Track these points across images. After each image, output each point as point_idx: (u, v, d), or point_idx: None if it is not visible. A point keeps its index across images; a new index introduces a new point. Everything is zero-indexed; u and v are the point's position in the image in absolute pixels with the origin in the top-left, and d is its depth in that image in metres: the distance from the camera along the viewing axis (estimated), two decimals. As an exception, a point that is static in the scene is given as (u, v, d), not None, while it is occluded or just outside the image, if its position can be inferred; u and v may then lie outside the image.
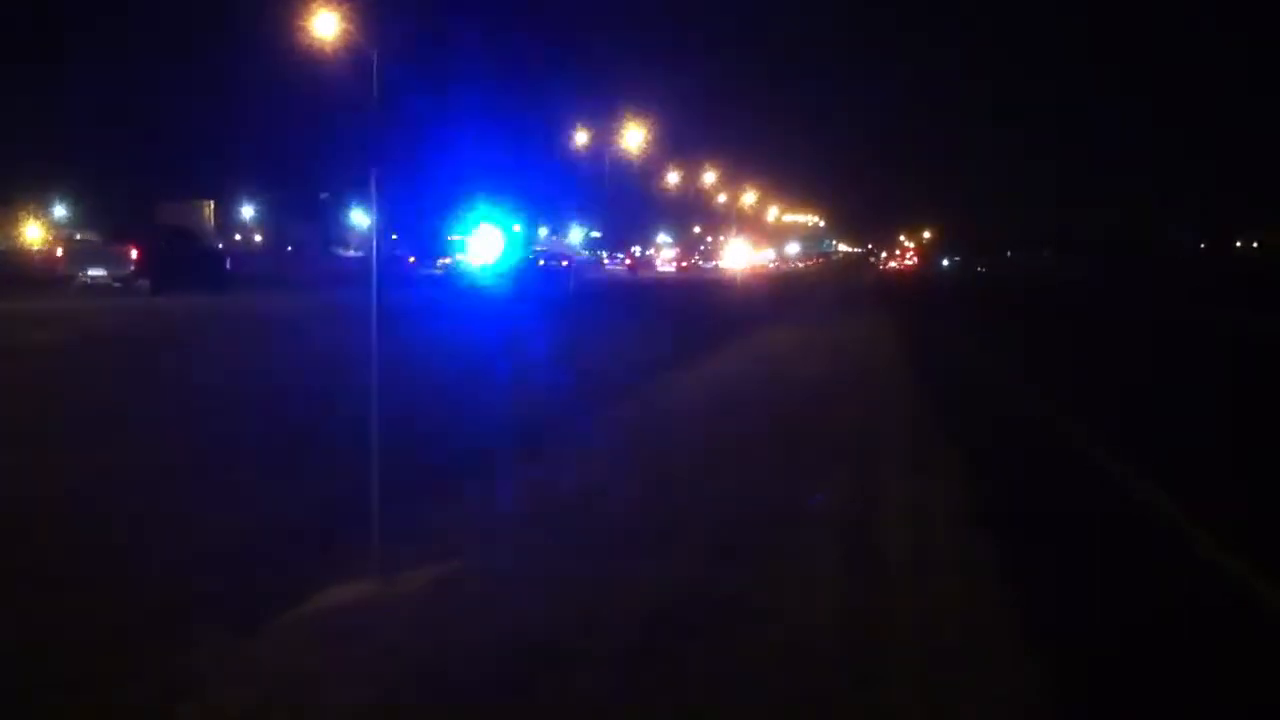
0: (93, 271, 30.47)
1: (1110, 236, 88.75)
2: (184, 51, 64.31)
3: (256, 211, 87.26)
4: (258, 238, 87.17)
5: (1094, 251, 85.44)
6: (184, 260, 32.14)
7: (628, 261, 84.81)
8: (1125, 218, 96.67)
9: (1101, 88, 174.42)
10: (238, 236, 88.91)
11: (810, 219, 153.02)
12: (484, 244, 51.76)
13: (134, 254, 30.18)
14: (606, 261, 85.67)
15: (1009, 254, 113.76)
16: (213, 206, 58.75)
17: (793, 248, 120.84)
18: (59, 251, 34.21)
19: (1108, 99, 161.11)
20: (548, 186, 74.22)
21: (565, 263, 59.75)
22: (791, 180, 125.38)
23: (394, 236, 43.02)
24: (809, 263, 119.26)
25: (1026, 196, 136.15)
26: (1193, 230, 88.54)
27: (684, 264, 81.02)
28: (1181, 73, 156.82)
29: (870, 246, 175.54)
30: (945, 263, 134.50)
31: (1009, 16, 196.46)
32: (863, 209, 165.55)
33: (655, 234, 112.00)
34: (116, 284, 29.86)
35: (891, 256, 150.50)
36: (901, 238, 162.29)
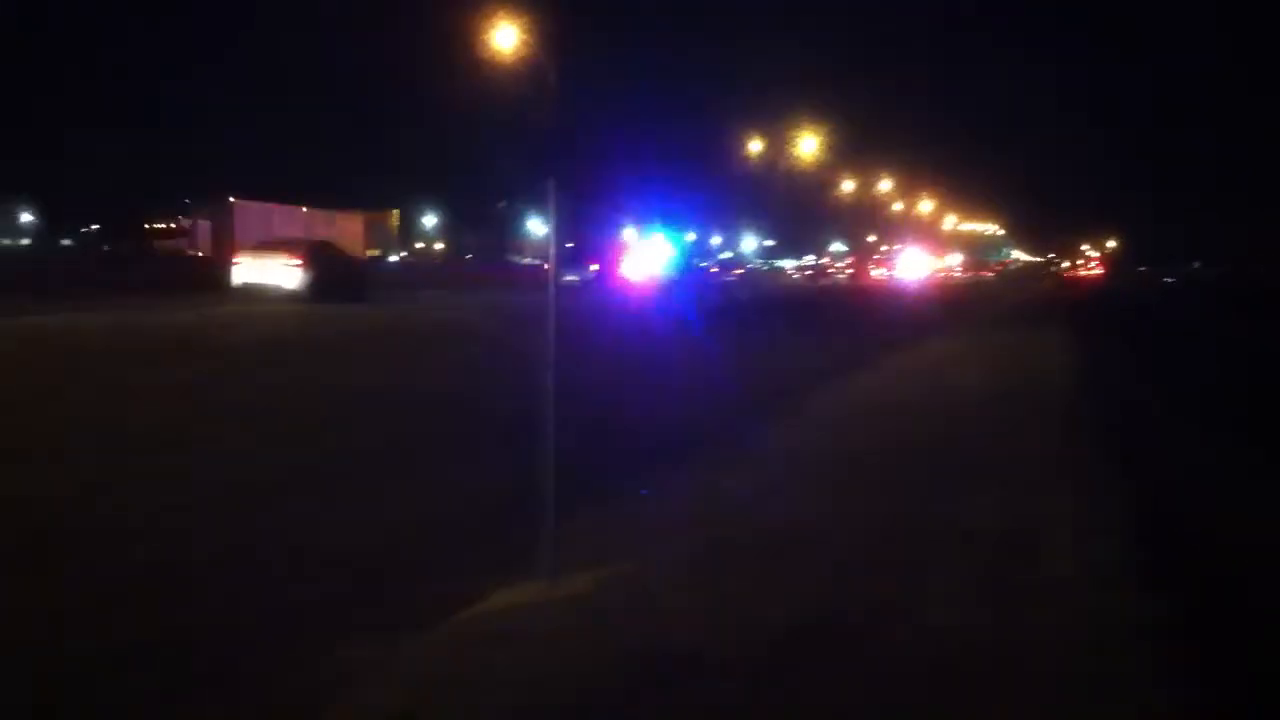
0: None
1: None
2: (365, 67, 66.79)
3: (438, 220, 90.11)
4: (439, 245, 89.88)
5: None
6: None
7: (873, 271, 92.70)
8: None
9: None
10: (419, 244, 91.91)
11: (989, 227, 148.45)
12: (657, 252, 52.04)
13: None
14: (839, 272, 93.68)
15: (1195, 265, 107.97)
16: (397, 215, 60.74)
17: (954, 258, 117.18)
18: None
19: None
20: (722, 196, 74.22)
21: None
22: (971, 188, 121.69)
23: (570, 245, 43.67)
24: (991, 271, 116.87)
25: (1220, 210, 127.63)
26: None
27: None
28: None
29: (1052, 255, 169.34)
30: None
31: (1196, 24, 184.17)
32: (1045, 217, 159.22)
33: (829, 243, 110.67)
34: None
35: (1074, 266, 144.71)
36: (1084, 247, 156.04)
